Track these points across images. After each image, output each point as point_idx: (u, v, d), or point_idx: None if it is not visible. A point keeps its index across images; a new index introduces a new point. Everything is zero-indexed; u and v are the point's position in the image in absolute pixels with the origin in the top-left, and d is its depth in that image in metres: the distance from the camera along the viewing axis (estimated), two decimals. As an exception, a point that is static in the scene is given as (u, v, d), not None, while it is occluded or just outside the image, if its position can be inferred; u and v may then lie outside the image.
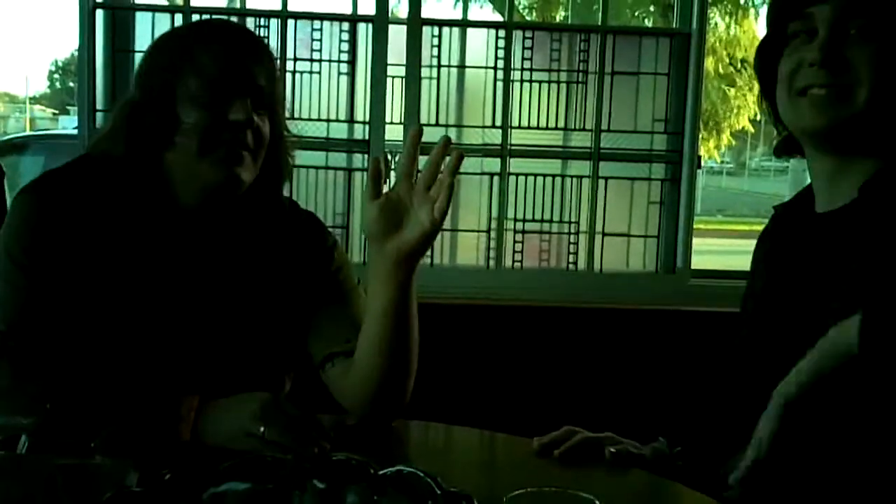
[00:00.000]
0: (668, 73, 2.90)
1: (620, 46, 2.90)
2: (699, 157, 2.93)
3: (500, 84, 2.86)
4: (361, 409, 1.41)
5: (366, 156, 2.83)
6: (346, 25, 2.84)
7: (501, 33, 2.87)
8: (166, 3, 3.08)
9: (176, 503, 0.87)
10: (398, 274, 1.32)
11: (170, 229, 1.41)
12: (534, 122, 2.89)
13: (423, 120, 2.84)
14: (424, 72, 2.84)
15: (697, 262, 2.97)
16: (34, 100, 31.01)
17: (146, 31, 2.75)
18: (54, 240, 1.35)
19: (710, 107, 10.65)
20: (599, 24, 2.94)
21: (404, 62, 2.81)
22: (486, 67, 2.88)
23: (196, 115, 1.35)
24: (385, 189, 1.33)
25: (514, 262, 2.91)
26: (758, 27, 10.81)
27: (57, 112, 27.67)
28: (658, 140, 2.92)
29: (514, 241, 2.91)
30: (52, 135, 9.50)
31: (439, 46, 2.87)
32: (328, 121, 2.85)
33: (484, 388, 2.65)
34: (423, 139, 2.94)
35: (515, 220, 2.90)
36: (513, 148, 2.88)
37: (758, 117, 12.05)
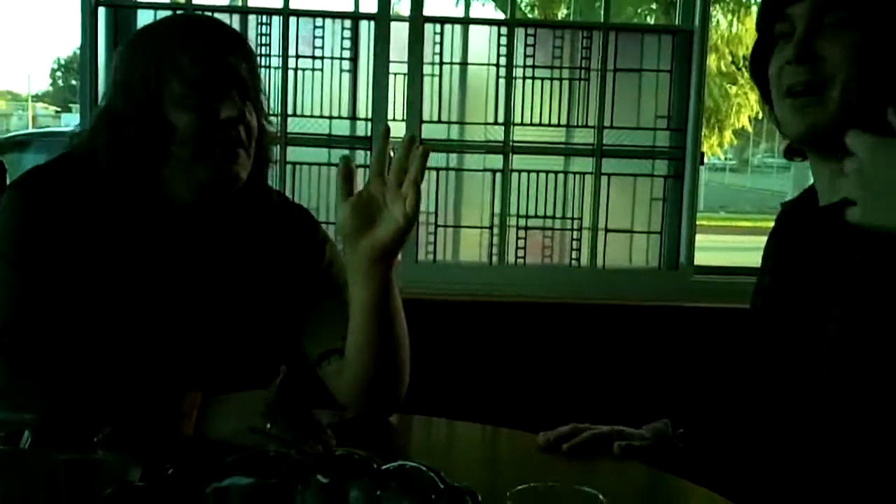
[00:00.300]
0: (670, 70, 2.89)
1: (623, 43, 2.89)
2: (702, 154, 2.93)
3: (502, 81, 2.86)
4: (357, 407, 1.41)
5: (368, 152, 2.82)
6: (348, 23, 2.83)
7: (503, 30, 2.87)
8: (168, 1, 3.08)
9: (179, 498, 0.87)
10: (376, 272, 1.32)
11: (161, 225, 1.41)
12: (536, 119, 2.89)
13: (426, 117, 2.84)
14: (426, 69, 2.83)
15: (700, 259, 2.97)
16: (36, 97, 31.08)
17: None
18: (43, 235, 1.35)
19: (711, 104, 10.64)
20: (602, 21, 2.93)
21: (406, 59, 2.80)
22: (489, 64, 2.87)
23: (186, 119, 1.34)
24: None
25: (516, 258, 2.91)
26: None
27: (59, 109, 27.71)
28: (661, 137, 2.91)
29: (517, 238, 2.90)
30: (55, 132, 9.51)
31: (441, 44, 2.86)
32: (330, 118, 2.85)
33: (486, 384, 2.64)
34: (425, 136, 2.96)
35: (518, 216, 2.90)
36: (515, 145, 2.88)
37: (759, 116, 12.05)
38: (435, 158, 2.87)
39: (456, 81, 2.89)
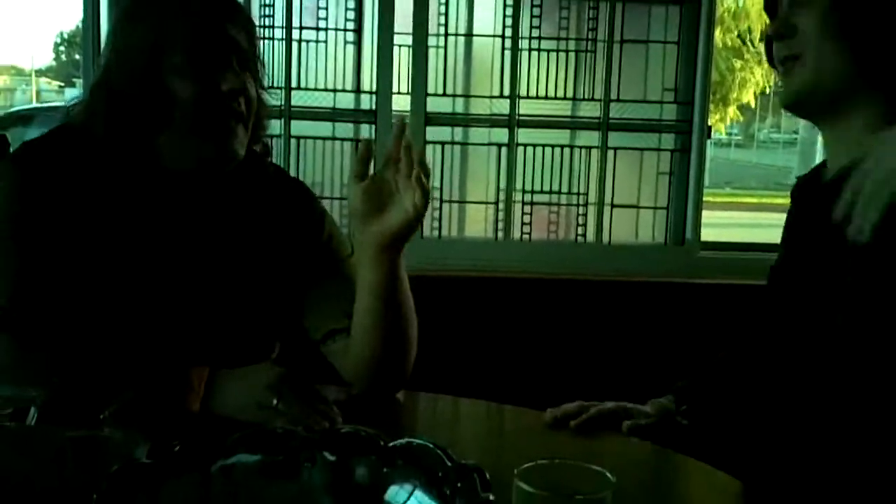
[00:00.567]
0: (677, 42, 2.86)
1: (630, 15, 2.86)
2: (709, 128, 2.91)
3: (507, 53, 2.83)
4: (363, 385, 1.41)
5: (373, 126, 2.81)
6: (352, -6, 2.81)
7: (509, 2, 2.83)
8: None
9: (185, 475, 0.87)
10: (384, 258, 1.32)
11: (159, 195, 1.40)
12: (542, 92, 2.86)
13: (431, 89, 2.81)
14: (431, 41, 2.81)
15: (706, 236, 2.95)
16: (40, 72, 30.97)
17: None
18: (41, 208, 1.34)
19: (717, 77, 10.58)
20: (609, -8, 2.90)
21: (411, 31, 2.78)
22: (494, 36, 2.84)
23: (187, 89, 1.32)
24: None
25: (522, 233, 2.90)
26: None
27: (63, 84, 27.64)
28: (667, 110, 2.89)
29: (523, 213, 2.89)
30: (58, 107, 9.48)
31: (446, 15, 2.83)
32: (334, 91, 2.83)
33: (492, 360, 2.64)
34: (430, 109, 2.93)
35: (524, 191, 2.88)
36: (521, 118, 2.86)
37: (767, 90, 11.98)
38: (440, 132, 2.85)
39: (461, 54, 2.87)
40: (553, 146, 2.88)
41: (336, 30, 2.81)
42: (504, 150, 2.86)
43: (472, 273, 2.77)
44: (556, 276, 2.78)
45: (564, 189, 2.89)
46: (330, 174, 2.84)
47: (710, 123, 2.94)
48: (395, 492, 0.89)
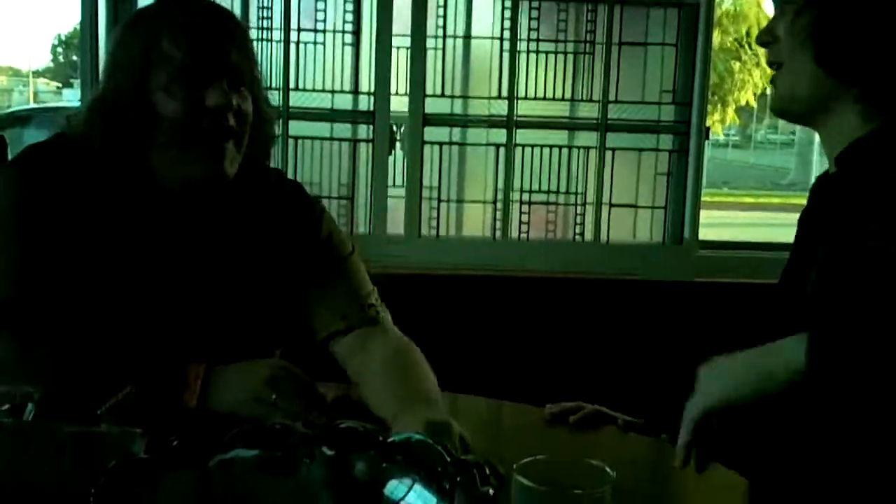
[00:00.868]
0: (675, 44, 2.87)
1: (628, 17, 2.86)
2: (707, 128, 2.91)
3: (506, 55, 2.84)
4: None
5: (370, 126, 2.81)
6: (350, -5, 2.81)
7: (508, 3, 2.84)
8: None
9: (183, 470, 0.87)
10: None
11: (157, 204, 1.39)
12: (540, 93, 2.87)
13: (429, 91, 2.82)
14: (430, 42, 2.81)
15: (704, 235, 2.96)
16: (37, 73, 30.95)
17: (148, 3, 2.73)
18: (43, 212, 1.34)
19: (716, 79, 10.59)
20: (607, -7, 2.90)
21: (409, 33, 2.78)
22: (493, 38, 2.85)
23: (172, 106, 1.32)
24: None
25: (520, 233, 2.90)
26: (765, 1, 10.72)
27: (60, 85, 27.63)
28: (665, 111, 2.89)
29: (521, 213, 2.89)
30: (56, 108, 9.50)
31: (445, 16, 2.84)
32: (332, 92, 2.83)
33: (490, 358, 2.64)
34: (428, 110, 2.94)
35: (522, 191, 2.88)
36: (519, 119, 2.86)
37: (767, 90, 12.00)
38: (438, 133, 2.86)
39: (459, 55, 2.87)
40: (551, 146, 2.88)
41: (334, 31, 2.82)
42: (502, 150, 2.86)
43: (471, 272, 2.78)
44: (554, 275, 2.78)
45: (563, 189, 2.90)
46: (328, 174, 2.84)
47: (708, 125, 2.94)
48: (395, 487, 0.89)
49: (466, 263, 2.80)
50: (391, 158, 2.83)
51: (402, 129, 2.84)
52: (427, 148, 2.83)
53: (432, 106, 2.83)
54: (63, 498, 0.90)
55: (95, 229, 1.35)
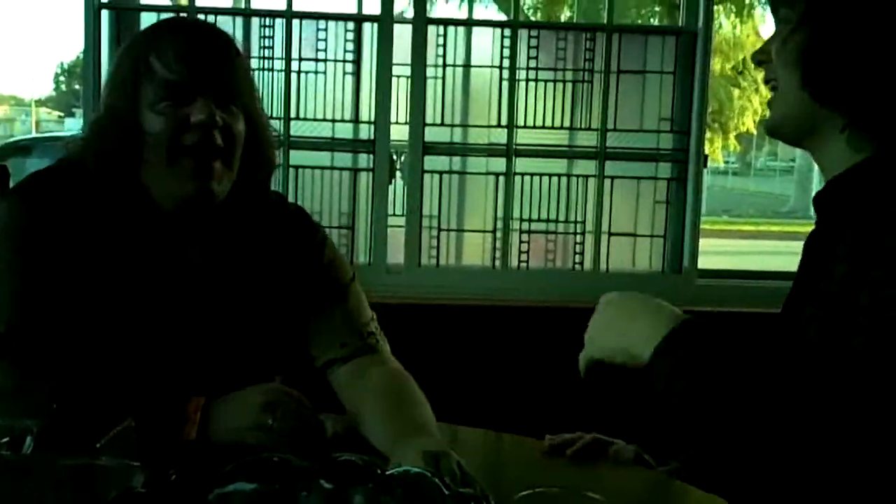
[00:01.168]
0: (674, 72, 2.89)
1: (626, 45, 2.89)
2: (706, 156, 2.92)
3: (505, 83, 2.86)
4: None
5: (370, 156, 2.82)
6: (351, 25, 2.83)
7: (507, 32, 2.87)
8: (171, 4, 3.08)
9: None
10: None
11: (156, 228, 1.40)
12: (539, 122, 2.88)
13: (429, 119, 2.83)
14: (430, 71, 2.83)
15: (703, 263, 2.96)
16: (40, 102, 31.11)
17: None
18: (45, 239, 1.34)
19: (716, 106, 10.64)
20: (605, 22, 2.93)
21: (409, 62, 2.80)
22: (492, 67, 2.87)
23: (158, 124, 1.32)
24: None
25: (520, 262, 2.91)
26: (763, 28, 10.79)
27: (63, 114, 27.75)
28: (664, 139, 2.91)
29: (520, 241, 2.90)
30: (58, 137, 9.53)
31: (444, 46, 2.86)
32: (333, 121, 2.85)
33: (490, 388, 2.64)
34: (428, 139, 2.95)
35: (521, 219, 2.90)
36: (518, 147, 2.87)
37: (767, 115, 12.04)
38: (438, 162, 2.87)
39: (459, 84, 2.89)
40: (550, 175, 2.90)
41: (335, 60, 2.84)
42: (502, 179, 2.88)
43: (470, 301, 2.78)
44: (554, 304, 2.78)
45: (562, 217, 2.91)
46: (328, 203, 2.85)
47: (709, 152, 2.95)
48: (392, 520, 0.88)
49: (466, 292, 2.80)
50: (391, 187, 2.84)
51: (403, 158, 2.86)
52: (427, 177, 2.85)
53: (432, 135, 2.85)
54: (61, 532, 0.89)
55: (95, 255, 1.36)
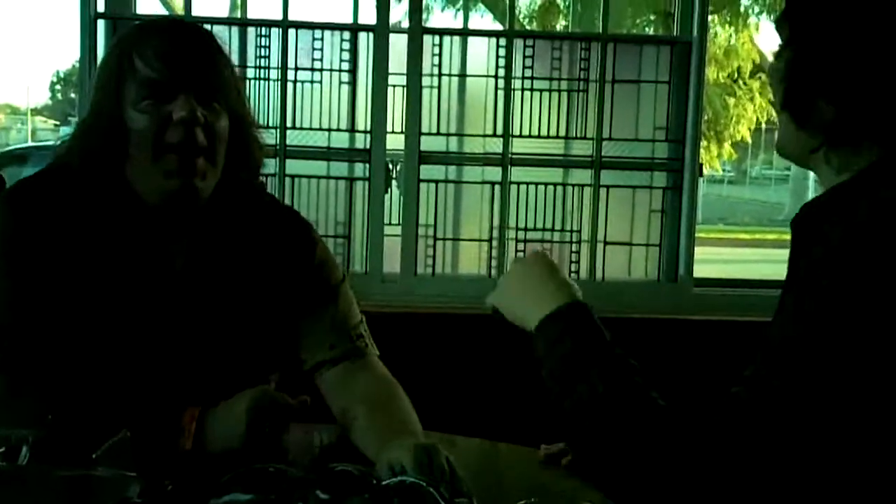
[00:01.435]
0: (668, 81, 2.89)
1: (621, 55, 2.90)
2: (701, 166, 2.93)
3: (500, 93, 2.86)
4: None
5: (366, 165, 2.82)
6: (346, 35, 2.84)
7: (502, 42, 2.87)
8: (167, 13, 3.08)
9: (178, 514, 0.87)
10: None
11: (143, 229, 1.40)
12: (535, 131, 2.89)
13: (425, 129, 2.84)
14: (425, 81, 2.84)
15: (699, 271, 2.96)
16: (36, 111, 31.09)
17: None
18: (34, 245, 1.35)
19: (711, 115, 10.67)
20: (600, 32, 2.94)
21: (405, 71, 2.81)
22: (487, 76, 2.88)
23: (140, 121, 1.33)
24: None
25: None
26: (757, 37, 10.82)
27: (58, 123, 27.72)
28: (659, 148, 2.91)
29: (516, 250, 2.90)
30: (54, 146, 9.52)
31: (440, 55, 2.86)
32: (329, 130, 2.85)
33: (486, 397, 2.64)
34: (424, 148, 2.96)
35: (517, 228, 2.90)
36: (514, 157, 2.88)
37: (760, 126, 12.08)
38: (434, 171, 2.87)
39: (455, 93, 2.90)
40: (546, 184, 2.90)
41: (331, 70, 2.84)
42: (497, 188, 2.88)
43: (466, 310, 2.77)
44: (550, 313, 2.77)
45: (557, 226, 2.91)
46: (324, 213, 2.85)
47: (706, 161, 2.96)
48: (388, 530, 0.89)
49: (462, 301, 2.80)
50: (387, 196, 2.85)
51: (399, 168, 2.86)
52: (423, 186, 2.85)
53: (428, 144, 2.85)
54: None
55: (84, 258, 1.36)
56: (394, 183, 2.86)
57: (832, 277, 0.93)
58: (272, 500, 0.90)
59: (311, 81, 2.84)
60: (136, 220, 1.39)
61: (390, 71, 2.80)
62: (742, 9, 10.28)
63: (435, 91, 2.86)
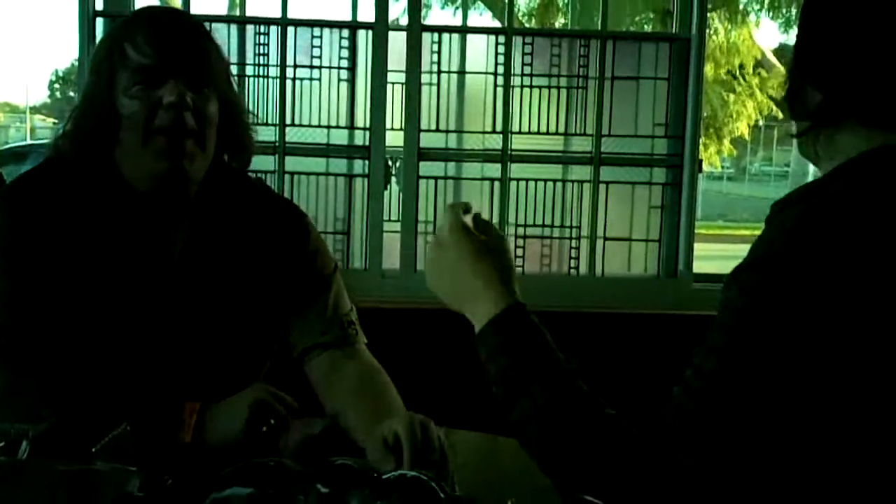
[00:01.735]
0: (668, 78, 2.89)
1: (620, 52, 2.90)
2: (700, 161, 2.93)
3: (500, 90, 2.86)
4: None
5: (366, 162, 2.82)
6: (345, 32, 2.84)
7: (501, 39, 2.87)
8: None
9: (178, 508, 0.87)
10: None
11: (135, 216, 1.41)
12: (534, 128, 2.89)
13: (424, 125, 2.84)
14: (424, 78, 2.84)
15: (699, 267, 2.96)
16: (34, 109, 31.06)
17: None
18: (30, 240, 1.36)
19: (710, 112, 10.66)
20: (599, 29, 2.94)
21: (404, 68, 2.81)
22: (486, 73, 2.88)
23: (131, 107, 1.35)
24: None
25: (515, 266, 2.90)
26: (756, 33, 10.81)
27: (57, 121, 27.69)
28: (659, 144, 2.91)
29: (516, 246, 2.90)
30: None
31: (439, 52, 2.86)
32: (328, 127, 2.85)
33: (486, 392, 2.64)
34: (423, 145, 2.95)
35: (517, 224, 2.90)
36: (513, 153, 2.88)
37: (759, 123, 12.07)
38: (433, 168, 2.87)
39: (454, 90, 2.90)
40: (545, 180, 2.90)
41: (330, 67, 2.84)
42: (497, 184, 2.88)
43: (466, 307, 2.77)
44: (549, 308, 2.76)
45: (557, 222, 2.91)
46: (324, 209, 2.85)
47: (706, 157, 2.96)
48: (388, 524, 0.89)
49: (462, 297, 2.80)
50: (387, 193, 2.85)
51: (398, 164, 2.86)
52: (422, 182, 2.85)
53: (427, 140, 2.85)
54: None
55: (79, 250, 1.37)
56: (393, 179, 2.86)
57: (753, 282, 0.98)
58: (272, 494, 0.91)
59: (311, 79, 2.84)
60: (130, 209, 1.40)
61: (389, 68, 2.80)
62: (741, 6, 10.28)
63: (434, 88, 2.86)
